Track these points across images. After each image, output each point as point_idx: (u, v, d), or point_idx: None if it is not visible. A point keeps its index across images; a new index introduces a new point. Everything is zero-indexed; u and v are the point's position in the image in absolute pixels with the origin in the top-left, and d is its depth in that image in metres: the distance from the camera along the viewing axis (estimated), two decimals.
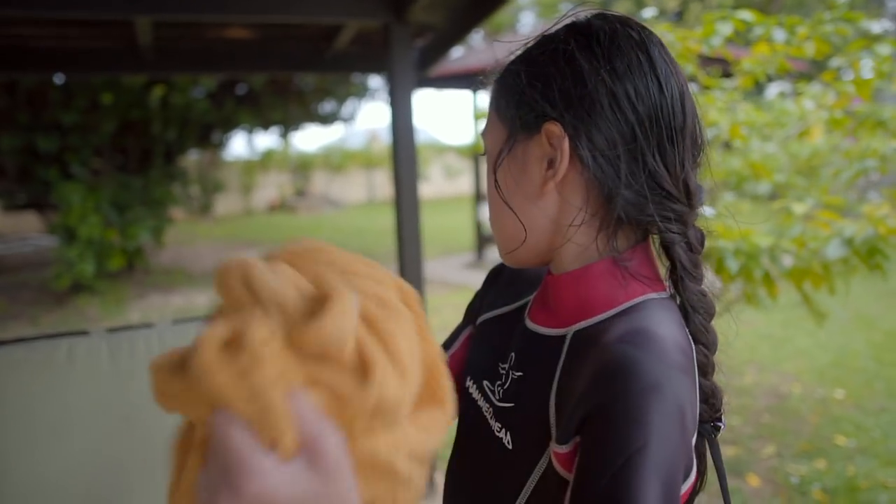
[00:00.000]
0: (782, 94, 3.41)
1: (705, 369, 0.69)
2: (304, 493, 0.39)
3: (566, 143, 0.66)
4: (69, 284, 7.15)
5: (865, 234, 1.87)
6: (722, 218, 2.30)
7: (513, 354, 0.76)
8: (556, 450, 0.63)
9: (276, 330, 0.41)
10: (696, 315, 0.69)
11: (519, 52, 0.74)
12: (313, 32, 3.93)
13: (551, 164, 0.67)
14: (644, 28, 0.70)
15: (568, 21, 0.71)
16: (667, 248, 0.69)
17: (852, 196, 2.83)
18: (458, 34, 3.35)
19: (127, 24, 3.41)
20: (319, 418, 0.41)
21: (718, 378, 0.72)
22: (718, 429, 0.69)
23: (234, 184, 16.82)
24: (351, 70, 4.40)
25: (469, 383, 0.82)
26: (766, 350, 5.00)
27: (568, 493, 0.59)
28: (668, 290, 0.70)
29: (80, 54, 3.88)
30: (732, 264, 1.92)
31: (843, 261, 1.98)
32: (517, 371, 0.74)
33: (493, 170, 0.72)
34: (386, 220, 14.57)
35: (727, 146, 3.35)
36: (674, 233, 0.68)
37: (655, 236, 0.71)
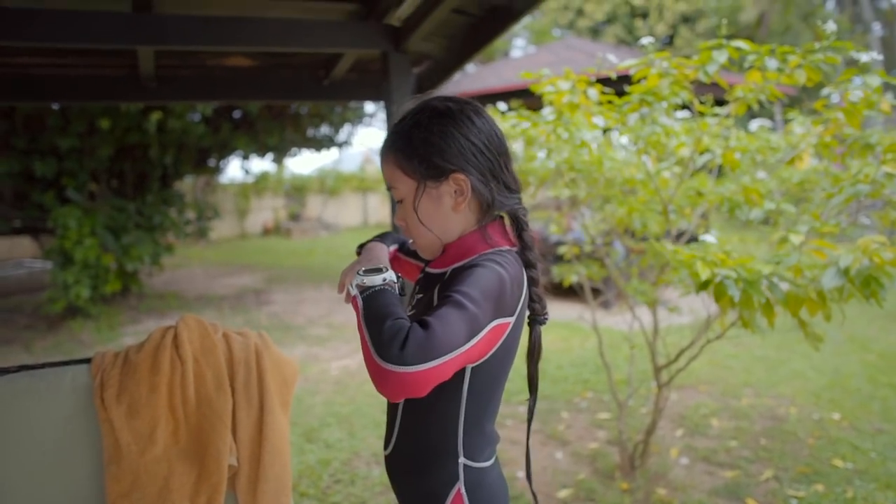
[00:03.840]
0: (764, 128, 3.48)
1: (536, 283, 1.19)
2: None
3: (468, 183, 1.15)
4: (63, 308, 7.12)
5: (861, 266, 1.89)
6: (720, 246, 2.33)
7: (419, 286, 1.28)
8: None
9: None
10: (530, 251, 1.20)
11: (398, 130, 1.19)
12: (312, 61, 3.99)
13: (458, 194, 1.17)
14: (474, 103, 1.20)
15: (427, 105, 1.18)
16: (514, 215, 1.22)
17: (844, 220, 2.86)
18: (455, 63, 3.41)
19: (128, 53, 3.45)
20: None
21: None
22: (545, 321, 1.20)
23: (229, 207, 16.84)
24: (349, 98, 4.45)
25: None
26: (762, 373, 5.01)
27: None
28: (510, 246, 1.20)
29: (80, 82, 3.92)
30: (735, 293, 1.94)
31: (838, 289, 2.00)
32: (419, 294, 1.25)
33: (414, 207, 1.18)
34: None
35: (719, 172, 3.40)
36: (516, 207, 1.21)
37: (503, 216, 1.24)
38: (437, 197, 1.17)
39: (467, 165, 1.15)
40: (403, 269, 1.51)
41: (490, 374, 1.16)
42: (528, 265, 1.19)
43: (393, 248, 1.49)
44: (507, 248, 1.19)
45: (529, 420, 1.27)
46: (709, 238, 2.35)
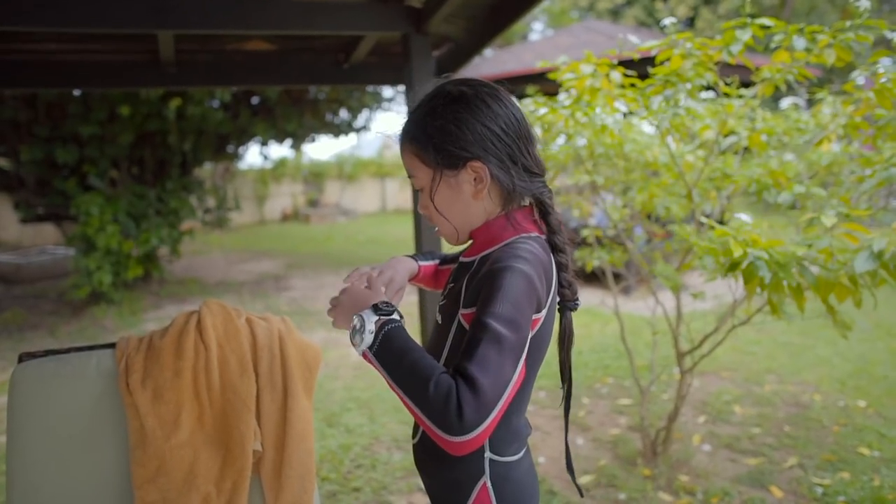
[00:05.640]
0: (796, 107, 3.39)
1: (566, 268, 1.17)
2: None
3: (486, 170, 1.12)
4: (87, 294, 7.21)
5: (895, 249, 1.84)
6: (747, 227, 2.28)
7: (451, 276, 1.27)
8: (463, 312, 1.12)
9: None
10: (557, 235, 1.17)
11: (414, 118, 1.16)
12: (332, 44, 3.96)
13: (478, 182, 1.13)
14: (491, 85, 1.16)
15: (441, 90, 1.15)
16: (538, 199, 1.18)
17: (875, 205, 2.80)
18: (476, 45, 3.37)
19: (149, 38, 3.44)
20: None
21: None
22: (576, 307, 1.18)
23: (248, 193, 16.92)
24: (369, 82, 4.42)
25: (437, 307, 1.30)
26: (786, 359, 4.95)
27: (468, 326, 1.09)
28: (538, 233, 1.17)
29: (101, 68, 3.93)
30: (766, 274, 1.89)
31: (870, 273, 1.95)
32: (451, 283, 1.24)
33: (431, 196, 1.17)
34: (398, 229, 14.58)
35: (745, 154, 3.34)
36: (541, 190, 1.18)
37: (529, 201, 1.21)
38: (456, 185, 1.14)
39: (484, 153, 1.11)
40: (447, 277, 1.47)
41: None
42: (556, 249, 1.16)
43: (432, 262, 1.47)
44: (535, 234, 1.16)
45: (566, 411, 1.24)
46: (744, 217, 2.29)
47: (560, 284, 1.16)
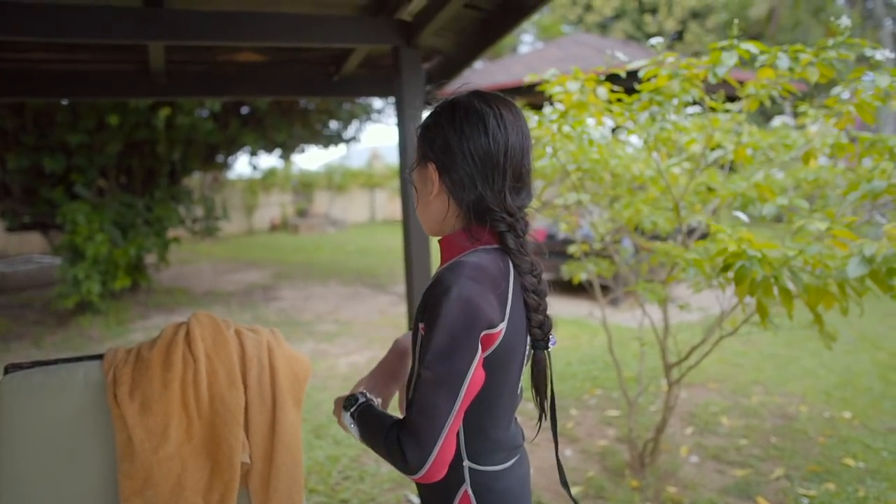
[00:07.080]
0: (785, 126, 3.44)
1: (537, 308, 1.16)
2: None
3: (437, 176, 1.16)
4: (74, 304, 7.15)
5: (886, 253, 1.85)
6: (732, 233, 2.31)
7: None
8: (420, 323, 1.12)
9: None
10: (525, 276, 1.15)
11: (432, 111, 1.22)
12: (322, 56, 3.97)
13: (431, 182, 1.17)
14: (489, 102, 1.15)
15: (459, 96, 1.18)
16: (500, 235, 1.15)
17: (859, 219, 2.84)
18: (466, 58, 3.39)
19: (139, 49, 3.45)
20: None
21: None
22: (548, 346, 1.17)
23: (237, 203, 16.86)
24: (359, 94, 4.44)
25: None
26: (772, 370, 4.99)
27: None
28: (498, 244, 1.17)
29: (90, 78, 3.92)
30: (759, 272, 1.91)
31: (859, 281, 1.97)
32: None
33: (410, 172, 1.25)
34: (387, 240, 14.58)
35: (731, 168, 3.38)
36: (502, 227, 1.15)
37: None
38: (423, 177, 1.20)
39: (442, 162, 1.15)
40: None
41: (485, 385, 1.12)
42: (524, 289, 1.15)
43: None
44: (494, 246, 1.17)
45: (555, 434, 1.27)
46: (741, 215, 2.31)
47: (529, 323, 1.16)
